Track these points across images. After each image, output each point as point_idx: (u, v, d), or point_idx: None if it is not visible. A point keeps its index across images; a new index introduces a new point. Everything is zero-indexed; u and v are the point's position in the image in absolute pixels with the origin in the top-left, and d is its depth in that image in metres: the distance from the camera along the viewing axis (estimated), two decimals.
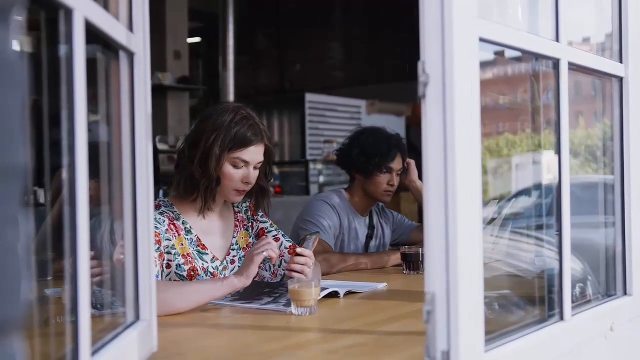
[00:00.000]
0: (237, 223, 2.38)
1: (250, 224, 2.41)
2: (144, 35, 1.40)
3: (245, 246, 2.36)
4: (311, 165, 7.56)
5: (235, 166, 2.19)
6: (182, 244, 2.19)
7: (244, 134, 2.17)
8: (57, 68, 1.03)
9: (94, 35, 1.11)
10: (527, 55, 1.61)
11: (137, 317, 1.38)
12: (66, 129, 1.02)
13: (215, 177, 2.18)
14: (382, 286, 2.36)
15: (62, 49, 1.02)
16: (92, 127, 1.11)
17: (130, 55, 1.36)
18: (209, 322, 1.84)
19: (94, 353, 1.10)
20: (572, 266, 1.57)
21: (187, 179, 2.21)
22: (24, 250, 0.59)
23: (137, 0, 1.37)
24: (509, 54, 1.57)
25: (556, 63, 1.53)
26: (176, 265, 2.16)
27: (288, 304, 1.92)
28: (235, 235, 2.35)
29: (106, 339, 1.22)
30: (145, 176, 1.39)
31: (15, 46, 0.59)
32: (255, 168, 2.23)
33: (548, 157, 1.88)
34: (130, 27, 1.36)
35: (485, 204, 1.38)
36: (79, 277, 1.01)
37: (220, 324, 1.82)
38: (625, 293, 1.82)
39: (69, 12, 1.00)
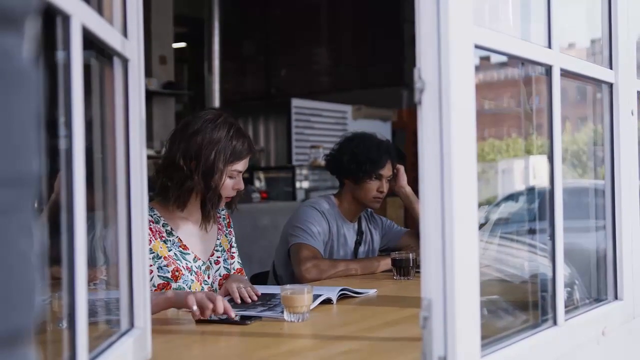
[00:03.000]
0: (220, 226, 2.47)
1: (228, 231, 2.52)
2: (138, 41, 1.39)
3: (227, 249, 2.45)
4: (297, 171, 7.54)
5: (231, 177, 2.30)
6: (162, 247, 2.24)
7: (241, 148, 2.29)
8: (53, 73, 1.02)
9: (88, 40, 1.11)
10: (514, 61, 1.62)
11: (132, 325, 1.37)
12: (63, 135, 1.01)
13: (219, 192, 2.27)
14: (372, 292, 2.36)
15: (59, 55, 1.02)
16: (84, 133, 1.10)
17: (125, 62, 1.35)
18: (202, 330, 1.83)
19: None
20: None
21: (187, 192, 2.26)
22: (36, 258, 0.58)
23: (131, 6, 1.37)
24: (495, 59, 1.58)
25: (548, 69, 1.54)
26: (158, 267, 2.20)
27: (277, 312, 1.91)
28: (219, 237, 2.44)
29: (102, 346, 1.21)
30: (140, 182, 1.38)
31: (29, 54, 0.58)
32: (242, 175, 2.35)
33: (535, 162, 1.89)
34: (125, 33, 1.35)
35: None
36: (76, 284, 1.01)
37: (213, 331, 1.81)
38: (616, 297, 1.84)
39: (66, 18, 0.99)
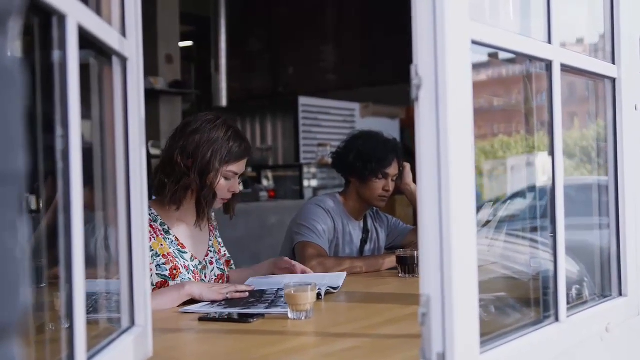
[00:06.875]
0: (211, 229, 2.52)
1: (217, 234, 2.55)
2: (137, 40, 1.39)
3: (217, 251, 2.50)
4: (305, 169, 7.54)
5: (226, 178, 2.33)
6: (162, 245, 2.28)
7: (238, 149, 2.32)
8: (50, 73, 1.03)
9: (86, 40, 1.11)
10: (520, 57, 1.61)
11: (132, 323, 1.38)
12: (60, 135, 1.01)
13: (213, 190, 2.30)
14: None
15: (55, 54, 1.02)
16: (84, 133, 1.10)
17: (123, 61, 1.35)
18: (204, 328, 1.83)
19: (90, 358, 1.10)
20: (568, 268, 1.57)
21: (183, 189, 2.29)
22: (22, 255, 0.59)
23: (130, 4, 1.37)
24: (503, 55, 1.57)
25: (549, 65, 1.53)
26: (156, 265, 2.23)
27: (284, 307, 1.91)
28: (210, 238, 2.48)
29: (102, 344, 1.22)
30: (139, 182, 1.39)
31: (13, 52, 0.59)
32: (239, 178, 2.38)
33: (542, 159, 1.88)
34: (123, 32, 1.36)
35: (480, 206, 1.38)
36: (74, 283, 1.01)
37: (215, 329, 1.81)
38: (620, 294, 1.83)
39: (62, 18, 1.00)
